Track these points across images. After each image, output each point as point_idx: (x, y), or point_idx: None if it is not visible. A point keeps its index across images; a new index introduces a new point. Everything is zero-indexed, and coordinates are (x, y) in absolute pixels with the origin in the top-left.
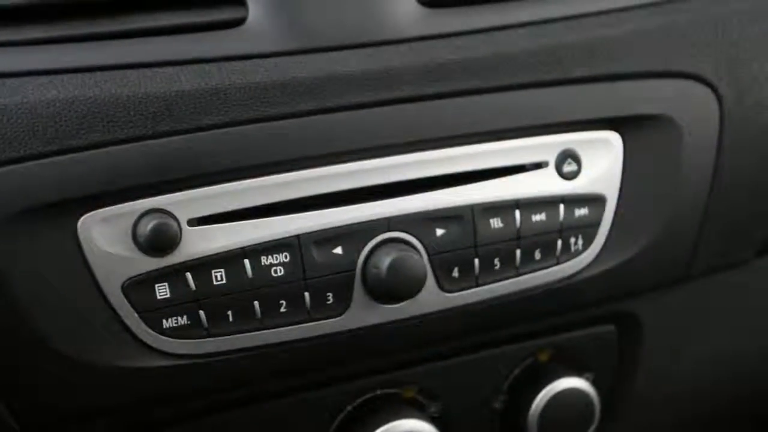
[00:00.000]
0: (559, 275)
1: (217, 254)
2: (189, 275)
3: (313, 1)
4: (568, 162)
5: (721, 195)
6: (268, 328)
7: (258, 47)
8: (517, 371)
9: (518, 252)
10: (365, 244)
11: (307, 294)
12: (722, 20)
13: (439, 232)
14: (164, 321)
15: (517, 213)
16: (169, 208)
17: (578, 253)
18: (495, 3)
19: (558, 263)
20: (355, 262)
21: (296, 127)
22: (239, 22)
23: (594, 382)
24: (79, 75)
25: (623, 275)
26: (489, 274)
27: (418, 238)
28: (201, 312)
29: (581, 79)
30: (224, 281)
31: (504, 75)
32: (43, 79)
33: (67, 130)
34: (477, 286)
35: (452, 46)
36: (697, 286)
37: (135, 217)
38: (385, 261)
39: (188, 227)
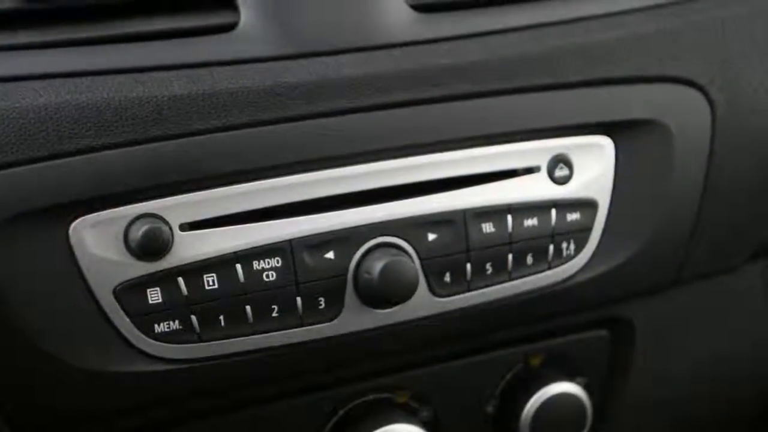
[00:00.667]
0: (551, 280)
1: (209, 259)
2: (181, 280)
3: (305, 5)
4: (559, 167)
5: (713, 199)
6: (260, 333)
7: (250, 52)
8: (509, 376)
9: (510, 257)
10: (357, 248)
11: (299, 299)
12: (714, 25)
13: (431, 236)
14: (156, 326)
15: (509, 218)
16: (160, 213)
17: (570, 257)
18: (487, 8)
19: (550, 268)
20: (347, 267)
21: (288, 131)
22: (231, 26)
23: (586, 387)
24: (71, 80)
25: (615, 279)
26: (481, 279)
27: (409, 243)
28: (193, 317)
29: (573, 84)
30: (216, 286)
31: (496, 79)
32: (35, 83)
33: (59, 134)
34: (469, 290)
35: (444, 51)
36: (690, 290)
37: (127, 221)
38: (376, 266)
39: (180, 232)
